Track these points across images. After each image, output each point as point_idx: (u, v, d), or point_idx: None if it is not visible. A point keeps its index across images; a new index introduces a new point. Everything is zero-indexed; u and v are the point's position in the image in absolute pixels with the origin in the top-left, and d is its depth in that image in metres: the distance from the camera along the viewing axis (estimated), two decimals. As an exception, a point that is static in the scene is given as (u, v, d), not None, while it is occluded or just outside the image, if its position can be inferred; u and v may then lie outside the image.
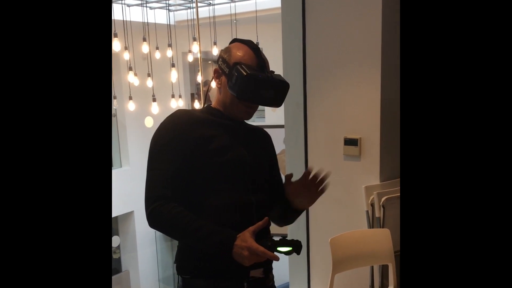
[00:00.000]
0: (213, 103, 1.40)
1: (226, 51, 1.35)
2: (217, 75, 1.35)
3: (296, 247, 1.23)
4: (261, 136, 1.47)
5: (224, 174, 1.29)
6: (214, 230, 1.23)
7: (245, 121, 1.43)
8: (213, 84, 1.38)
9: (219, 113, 1.36)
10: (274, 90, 1.30)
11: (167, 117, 1.33)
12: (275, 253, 1.21)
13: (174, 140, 1.27)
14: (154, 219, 1.25)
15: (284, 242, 1.22)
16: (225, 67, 1.31)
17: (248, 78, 1.24)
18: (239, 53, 1.31)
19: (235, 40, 1.38)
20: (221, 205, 1.28)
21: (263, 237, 1.21)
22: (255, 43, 1.35)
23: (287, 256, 2.68)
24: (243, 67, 1.26)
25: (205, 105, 1.44)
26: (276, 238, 1.24)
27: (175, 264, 1.36)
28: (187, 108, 6.53)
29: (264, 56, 1.34)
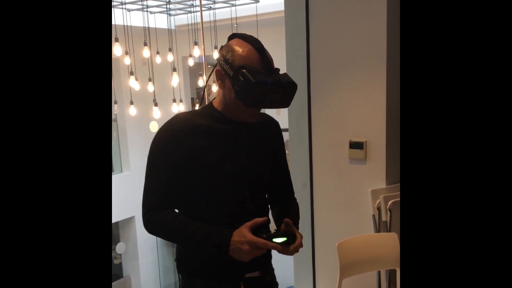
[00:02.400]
0: (215, 103, 1.31)
1: (228, 50, 1.23)
2: (220, 76, 1.25)
3: (290, 237, 1.24)
4: (267, 129, 1.40)
5: (222, 185, 1.27)
6: (210, 231, 1.22)
7: None
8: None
9: (221, 115, 1.29)
10: (282, 94, 1.23)
11: (164, 124, 1.28)
12: None
13: (169, 150, 1.24)
14: (151, 227, 1.29)
15: (278, 233, 1.24)
16: (229, 69, 1.21)
17: (256, 85, 1.16)
18: (243, 53, 1.20)
19: (235, 36, 1.27)
20: (218, 215, 1.28)
21: (258, 231, 1.21)
22: (258, 40, 1.25)
23: (292, 259, 2.66)
24: (250, 72, 1.17)
25: (207, 104, 1.35)
26: None
27: (176, 263, 1.38)
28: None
29: (269, 55, 1.25)
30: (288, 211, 1.41)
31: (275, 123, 1.44)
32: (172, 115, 1.33)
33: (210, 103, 1.34)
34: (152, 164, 1.27)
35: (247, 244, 1.17)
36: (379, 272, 2.25)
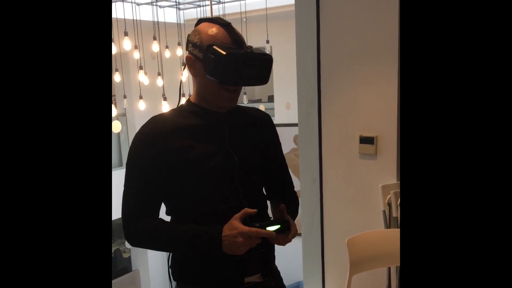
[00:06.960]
0: (192, 98, 1.28)
1: (194, 34, 1.20)
2: (191, 62, 1.21)
3: (284, 224, 1.18)
4: (254, 122, 1.34)
5: (210, 182, 1.21)
6: (199, 230, 1.16)
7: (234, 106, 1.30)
8: (184, 76, 1.28)
9: (199, 109, 1.25)
10: (257, 67, 1.17)
11: (141, 128, 1.23)
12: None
13: (146, 154, 1.18)
14: (134, 238, 1.21)
15: (272, 222, 1.18)
16: (198, 52, 1.17)
17: (227, 57, 1.11)
18: (210, 33, 1.17)
19: (201, 21, 1.23)
20: (211, 213, 1.21)
21: (250, 222, 1.15)
22: (224, 19, 1.21)
23: (301, 255, 2.64)
24: (220, 47, 1.13)
25: (186, 101, 1.32)
26: None
27: (170, 270, 1.31)
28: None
29: (238, 32, 1.20)
30: (284, 201, 1.32)
31: (265, 116, 1.38)
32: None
33: (188, 99, 1.31)
34: (129, 171, 1.21)
35: (239, 236, 1.11)
36: (389, 268, 2.23)
